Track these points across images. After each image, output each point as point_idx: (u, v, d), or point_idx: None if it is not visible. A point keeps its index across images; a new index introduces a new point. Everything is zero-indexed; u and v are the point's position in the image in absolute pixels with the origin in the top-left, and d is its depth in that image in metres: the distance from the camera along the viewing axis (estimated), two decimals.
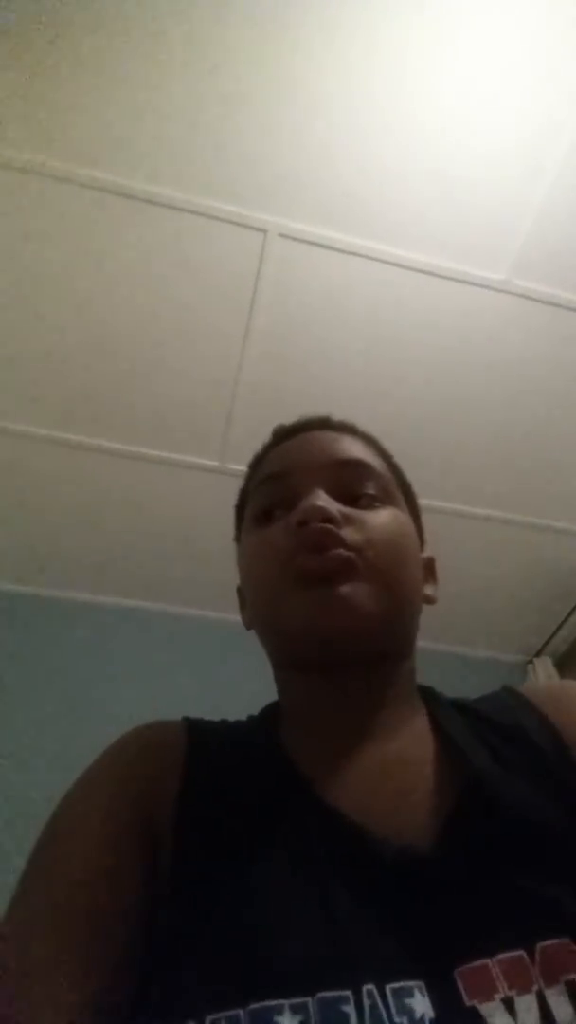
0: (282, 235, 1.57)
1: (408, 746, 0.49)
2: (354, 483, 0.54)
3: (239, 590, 0.63)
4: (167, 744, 0.52)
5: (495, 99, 1.39)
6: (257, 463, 0.63)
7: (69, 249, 1.59)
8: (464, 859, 0.41)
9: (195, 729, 0.54)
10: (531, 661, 2.57)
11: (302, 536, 0.48)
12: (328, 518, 0.48)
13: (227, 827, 0.45)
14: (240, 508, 0.63)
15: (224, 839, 0.44)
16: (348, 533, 0.49)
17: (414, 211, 1.54)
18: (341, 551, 0.48)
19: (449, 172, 1.49)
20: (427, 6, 1.29)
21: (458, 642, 2.47)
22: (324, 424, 0.61)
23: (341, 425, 0.61)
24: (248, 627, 0.60)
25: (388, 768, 0.48)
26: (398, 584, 0.50)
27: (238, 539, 0.63)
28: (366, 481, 0.55)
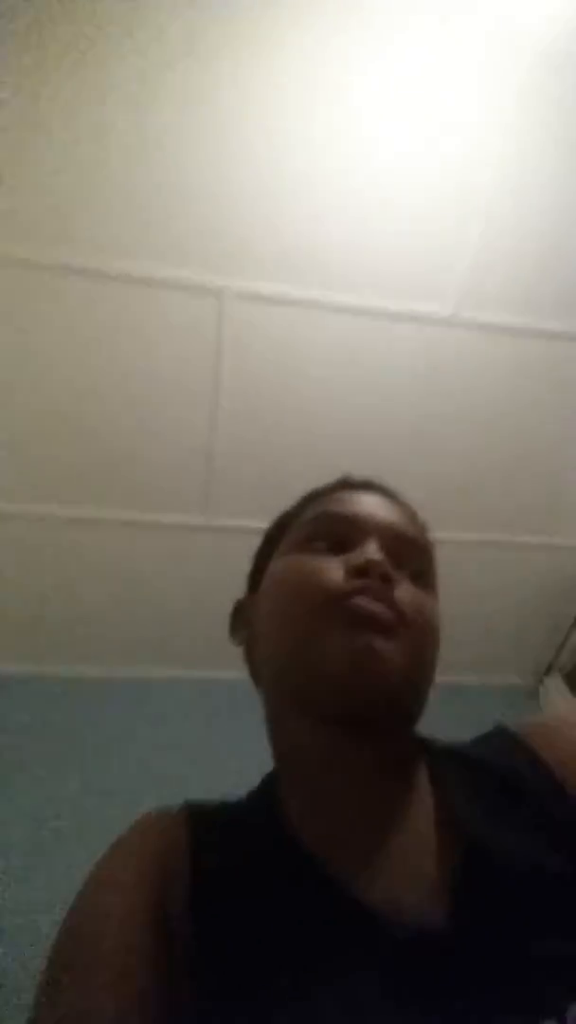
0: (237, 295, 1.63)
1: (411, 811, 0.48)
2: (409, 558, 0.55)
3: (238, 606, 0.62)
4: (170, 841, 0.50)
5: (429, 144, 1.49)
6: (316, 496, 0.62)
7: (29, 332, 1.62)
8: (478, 931, 0.40)
9: (196, 816, 0.53)
10: (541, 681, 2.53)
11: (363, 582, 0.48)
12: (386, 575, 0.49)
13: (240, 929, 0.44)
14: (279, 528, 0.62)
15: (239, 942, 0.43)
16: (399, 597, 0.49)
17: (359, 257, 1.61)
18: (390, 611, 0.48)
19: (389, 216, 1.56)
20: (349, 57, 1.38)
21: (466, 671, 2.44)
22: (390, 494, 0.63)
23: (404, 502, 0.63)
24: (240, 645, 0.59)
25: (395, 840, 0.46)
26: (427, 662, 0.51)
27: (261, 558, 0.62)
28: (418, 561, 0.56)
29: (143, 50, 1.33)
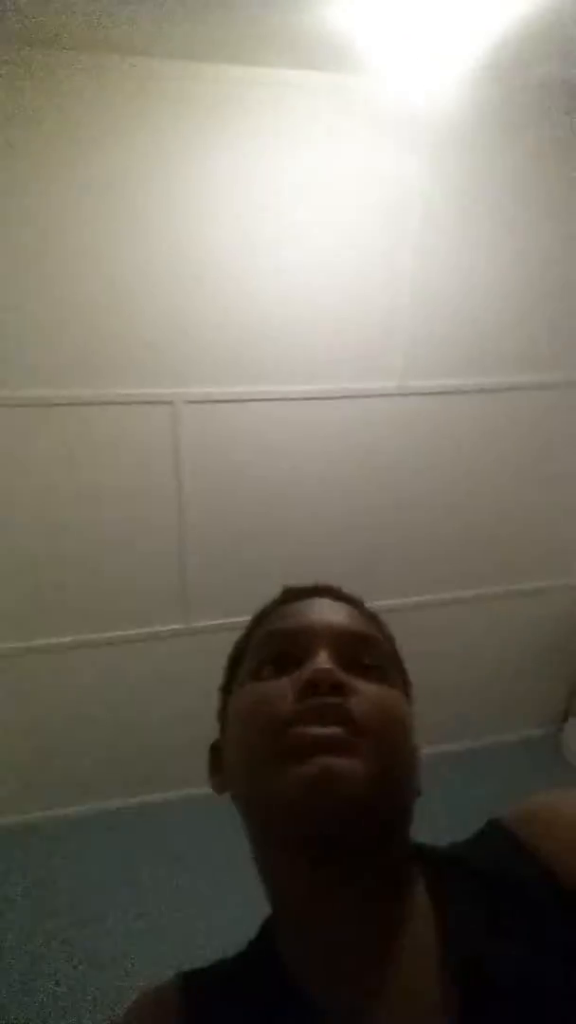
0: (189, 401, 1.68)
1: (413, 934, 0.47)
2: (360, 655, 0.53)
3: (213, 748, 0.60)
4: (162, 1017, 0.50)
5: (350, 233, 1.62)
6: (262, 618, 0.61)
7: None
8: None
9: (190, 986, 0.52)
10: (561, 728, 2.46)
11: (306, 705, 0.47)
12: (336, 684, 0.47)
13: None
14: (236, 659, 0.61)
15: None
16: (353, 704, 0.48)
17: (303, 348, 1.70)
18: (342, 730, 0.46)
19: (325, 306, 1.67)
20: (270, 165, 1.51)
21: (483, 732, 2.36)
22: (335, 593, 0.61)
23: (350, 597, 0.62)
24: (219, 791, 0.56)
25: (394, 970, 0.45)
26: (396, 765, 0.49)
27: (226, 690, 0.60)
28: (371, 656, 0.54)
29: (67, 177, 1.43)
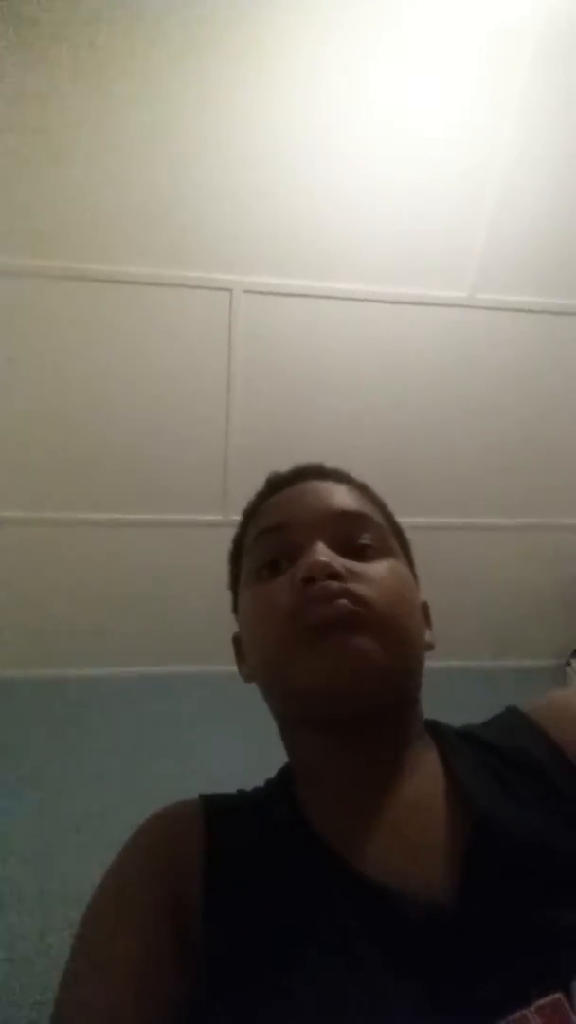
0: (247, 291, 1.63)
1: (421, 791, 0.48)
2: (353, 535, 0.53)
3: (236, 640, 0.62)
4: (184, 829, 0.51)
5: (436, 131, 1.47)
6: (252, 513, 0.61)
7: (42, 340, 1.64)
8: (488, 906, 0.40)
9: (212, 807, 0.53)
10: (568, 663, 2.52)
11: (308, 592, 0.47)
12: (333, 573, 0.47)
13: (253, 908, 0.45)
14: (235, 557, 0.62)
15: (252, 920, 0.44)
16: (353, 587, 0.48)
17: (369, 246, 1.60)
18: (347, 602, 0.47)
19: (398, 202, 1.55)
20: (351, 46, 1.37)
21: (493, 656, 2.43)
22: (319, 473, 0.60)
23: (335, 474, 0.61)
24: (248, 681, 0.59)
25: (405, 820, 0.47)
26: (403, 635, 0.49)
27: (233, 588, 0.62)
28: (365, 532, 0.54)
29: (145, 54, 1.33)
